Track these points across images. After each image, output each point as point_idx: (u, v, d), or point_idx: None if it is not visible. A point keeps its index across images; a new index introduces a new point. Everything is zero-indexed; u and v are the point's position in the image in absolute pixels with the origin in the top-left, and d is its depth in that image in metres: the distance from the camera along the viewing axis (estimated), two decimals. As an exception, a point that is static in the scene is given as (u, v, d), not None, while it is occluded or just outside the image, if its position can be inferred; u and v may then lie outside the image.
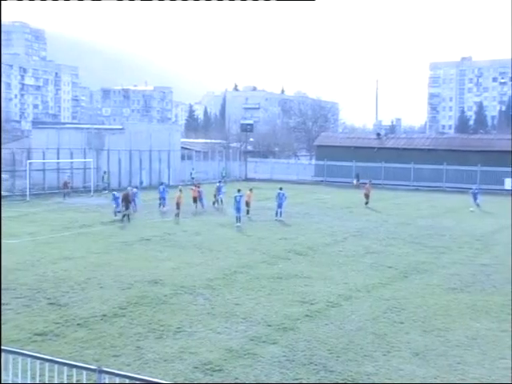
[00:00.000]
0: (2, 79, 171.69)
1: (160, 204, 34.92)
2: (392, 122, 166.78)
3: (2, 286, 16.09)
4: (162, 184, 37.28)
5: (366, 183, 41.17)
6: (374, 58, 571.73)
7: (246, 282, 17.58)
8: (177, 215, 31.12)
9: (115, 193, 32.93)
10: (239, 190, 30.65)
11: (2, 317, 13.52)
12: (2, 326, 12.82)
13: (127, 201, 30.23)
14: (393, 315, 14.49)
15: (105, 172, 45.90)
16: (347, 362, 11.40)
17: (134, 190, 35.25)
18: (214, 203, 36.54)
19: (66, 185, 40.56)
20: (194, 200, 34.94)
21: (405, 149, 59.34)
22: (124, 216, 29.73)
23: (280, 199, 31.73)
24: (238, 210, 29.29)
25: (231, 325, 13.46)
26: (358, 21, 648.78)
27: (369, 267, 20.03)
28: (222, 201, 36.54)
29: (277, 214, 31.52)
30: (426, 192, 50.87)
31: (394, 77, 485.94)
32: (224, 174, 58.47)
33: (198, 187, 36.14)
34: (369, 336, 12.92)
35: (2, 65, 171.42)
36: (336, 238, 26.04)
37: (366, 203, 38.52)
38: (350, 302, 15.65)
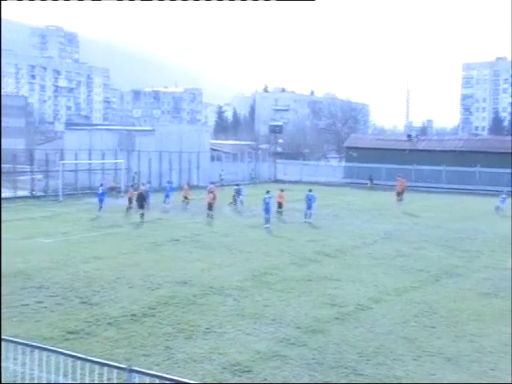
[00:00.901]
0: (38, 82, 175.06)
1: (165, 201, 36.33)
2: (423, 124, 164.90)
3: (37, 285, 16.42)
4: (168, 182, 39.00)
5: (399, 178, 40.41)
6: (405, 58, 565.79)
7: (275, 283, 17.55)
8: (209, 216, 31.18)
9: (101, 188, 33.92)
10: (268, 192, 30.63)
11: (37, 315, 13.82)
12: (37, 324, 13.13)
13: (142, 199, 30.42)
14: (424, 319, 14.31)
15: (135, 173, 46.38)
16: (377, 366, 11.29)
17: (148, 185, 36.09)
18: (230, 204, 37.11)
19: (113, 188, 41.50)
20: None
21: (436, 150, 58.63)
22: (141, 215, 29.96)
23: (309, 201, 31.63)
24: (267, 211, 29.27)
25: (260, 326, 13.45)
26: (390, 20, 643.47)
27: (399, 270, 19.83)
28: (242, 202, 36.86)
29: (306, 215, 31.43)
30: (458, 194, 50.14)
31: (426, 77, 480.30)
32: (253, 176, 58.56)
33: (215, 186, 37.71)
34: (399, 340, 12.78)
35: (37, 67, 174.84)
36: (366, 241, 25.84)
37: (400, 200, 37.71)
38: (380, 305, 15.51)
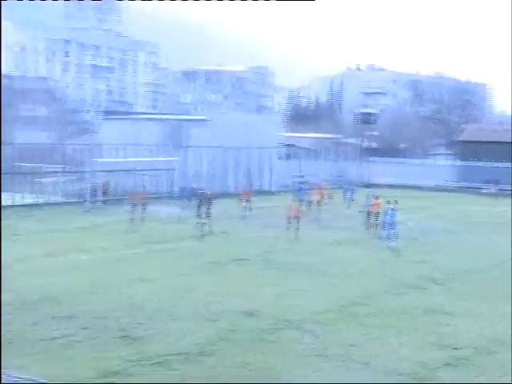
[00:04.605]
0: (71, 60, 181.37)
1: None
2: None
3: (68, 313, 16.92)
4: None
5: None
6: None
7: (367, 316, 17.46)
8: (293, 229, 31.17)
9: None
10: (389, 202, 30.09)
11: (68, 351, 14.24)
12: (69, 362, 13.54)
13: (209, 206, 31.54)
14: None
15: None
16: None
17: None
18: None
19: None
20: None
21: None
22: (202, 225, 31.17)
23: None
24: (391, 225, 28.79)
25: (348, 371, 13.40)
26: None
27: (534, 303, 19.25)
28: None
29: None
30: None
31: None
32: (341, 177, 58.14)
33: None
34: (535, 396, 12.38)
35: (72, 43, 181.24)
36: (488, 262, 25.40)
37: None
38: (508, 348, 15.10)
